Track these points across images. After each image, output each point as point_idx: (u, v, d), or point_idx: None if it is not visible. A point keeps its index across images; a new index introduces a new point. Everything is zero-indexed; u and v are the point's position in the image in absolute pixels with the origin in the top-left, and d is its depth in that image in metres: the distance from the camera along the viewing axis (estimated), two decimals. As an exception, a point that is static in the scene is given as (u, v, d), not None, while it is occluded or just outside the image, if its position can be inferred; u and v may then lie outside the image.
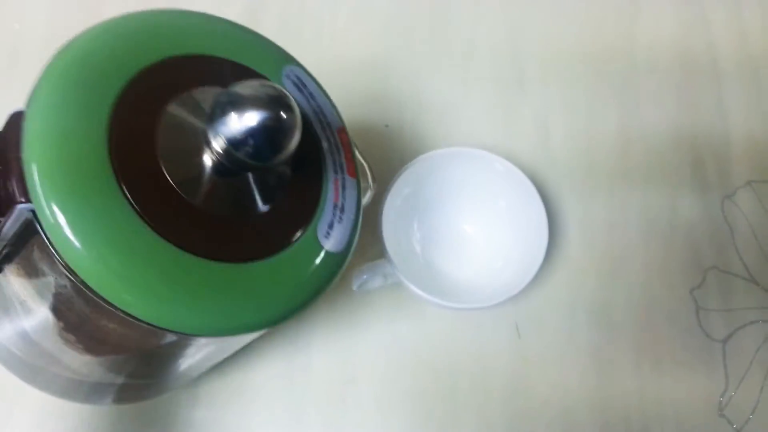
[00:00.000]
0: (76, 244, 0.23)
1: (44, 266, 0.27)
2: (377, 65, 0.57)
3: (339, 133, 0.34)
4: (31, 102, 0.24)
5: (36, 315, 0.32)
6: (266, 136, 0.25)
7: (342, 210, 0.31)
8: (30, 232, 0.24)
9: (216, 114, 0.25)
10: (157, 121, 0.26)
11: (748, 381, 0.46)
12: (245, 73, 0.30)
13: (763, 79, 0.56)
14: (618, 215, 0.52)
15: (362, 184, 0.35)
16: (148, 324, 0.25)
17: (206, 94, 0.28)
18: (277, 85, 0.26)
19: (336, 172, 0.32)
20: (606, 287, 0.49)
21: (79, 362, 0.34)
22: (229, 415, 0.46)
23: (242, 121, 0.24)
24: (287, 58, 0.33)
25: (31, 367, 0.36)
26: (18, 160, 0.23)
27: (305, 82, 0.33)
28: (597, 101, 0.56)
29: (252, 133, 0.24)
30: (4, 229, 0.24)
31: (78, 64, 0.25)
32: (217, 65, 0.29)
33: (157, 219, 0.24)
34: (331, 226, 0.30)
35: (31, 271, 0.28)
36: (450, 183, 0.50)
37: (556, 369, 0.47)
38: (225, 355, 0.41)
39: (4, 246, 0.26)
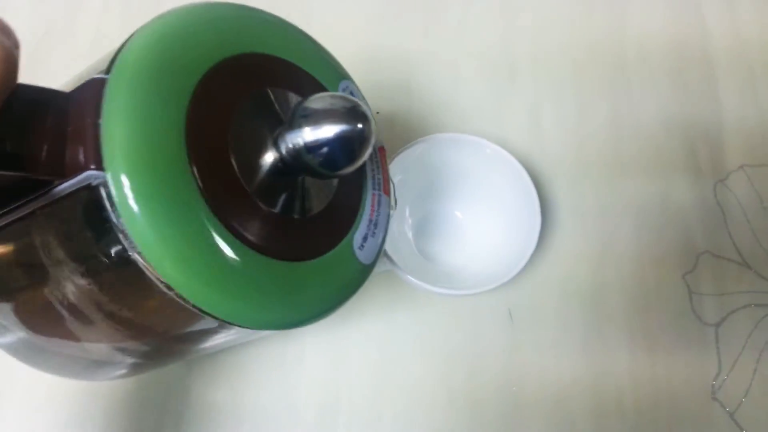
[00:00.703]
0: (144, 220, 0.23)
1: (86, 241, 0.27)
2: (368, 53, 0.57)
3: (380, 150, 0.35)
4: (115, 71, 0.24)
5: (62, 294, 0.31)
6: (343, 147, 0.26)
7: (375, 225, 0.33)
8: (80, 200, 0.24)
9: (296, 120, 0.26)
10: (231, 112, 0.26)
11: (740, 365, 0.46)
12: (311, 82, 0.31)
13: (755, 65, 0.56)
14: (610, 201, 0.51)
15: None
16: (202, 311, 0.25)
17: (277, 95, 0.29)
18: (355, 99, 0.27)
19: (374, 188, 0.33)
20: (599, 273, 0.49)
21: (101, 346, 0.34)
22: (220, 402, 0.46)
23: (322, 132, 0.25)
24: (344, 73, 0.34)
25: (40, 349, 0.35)
26: (95, 126, 0.23)
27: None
28: (589, 89, 0.56)
29: (330, 143, 0.25)
30: (59, 188, 0.24)
31: (167, 41, 0.26)
32: (287, 69, 0.30)
33: (222, 209, 0.25)
34: (365, 239, 0.32)
35: (67, 245, 0.28)
36: (442, 169, 0.49)
37: (550, 354, 0.47)
38: (238, 343, 0.42)
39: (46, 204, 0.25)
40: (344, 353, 0.47)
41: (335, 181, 0.31)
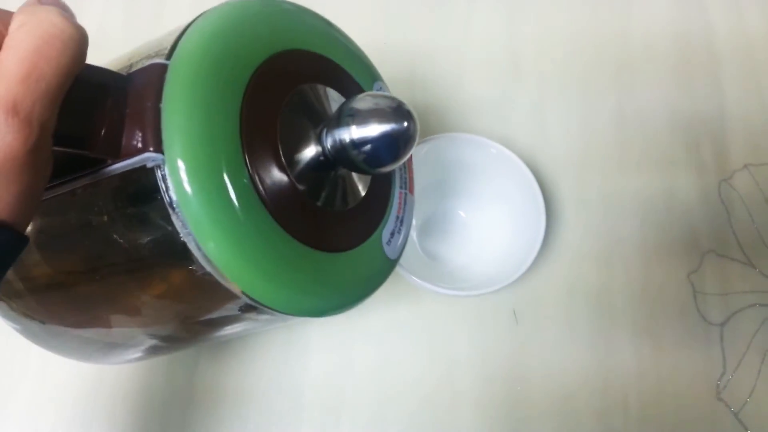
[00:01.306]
0: (198, 203, 0.23)
1: (135, 220, 0.27)
2: (372, 52, 0.57)
3: None
4: (177, 59, 0.25)
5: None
6: (389, 145, 0.27)
7: (401, 222, 0.34)
8: (133, 180, 0.25)
9: (343, 117, 0.27)
10: (280, 104, 0.27)
11: (745, 365, 0.46)
12: (350, 80, 0.32)
13: (759, 63, 0.56)
14: (615, 200, 0.51)
15: None
16: (245, 294, 0.25)
17: (320, 91, 0.30)
18: (399, 99, 0.27)
19: (401, 187, 0.35)
20: (603, 272, 0.49)
21: (130, 329, 0.35)
22: (224, 404, 0.46)
23: (370, 130, 0.26)
24: (377, 74, 0.35)
25: (59, 333, 0.36)
26: (155, 110, 0.23)
27: None
28: (593, 86, 0.55)
29: (377, 141, 0.26)
30: (113, 167, 0.24)
31: (225, 33, 0.26)
32: (329, 66, 0.31)
33: (270, 197, 0.25)
34: (392, 234, 0.33)
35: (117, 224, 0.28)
36: (446, 169, 0.49)
37: (554, 354, 0.47)
38: (256, 331, 0.43)
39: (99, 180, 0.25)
40: (348, 352, 0.47)
41: (368, 178, 0.32)
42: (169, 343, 0.38)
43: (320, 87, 0.30)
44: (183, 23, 0.28)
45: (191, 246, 0.24)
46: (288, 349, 0.47)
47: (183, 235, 0.24)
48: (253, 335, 0.48)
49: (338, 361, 0.47)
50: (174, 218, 0.24)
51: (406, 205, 0.34)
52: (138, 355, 0.39)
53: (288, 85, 0.28)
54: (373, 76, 0.35)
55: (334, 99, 0.30)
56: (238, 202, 0.24)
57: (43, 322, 0.33)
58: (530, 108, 0.55)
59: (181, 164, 0.23)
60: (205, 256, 0.24)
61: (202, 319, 0.33)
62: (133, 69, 0.26)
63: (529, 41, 0.57)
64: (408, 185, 0.35)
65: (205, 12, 0.27)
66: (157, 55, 0.26)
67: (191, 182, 0.23)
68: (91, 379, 0.47)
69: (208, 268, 0.24)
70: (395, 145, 0.27)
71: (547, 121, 0.54)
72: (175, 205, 0.23)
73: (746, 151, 0.53)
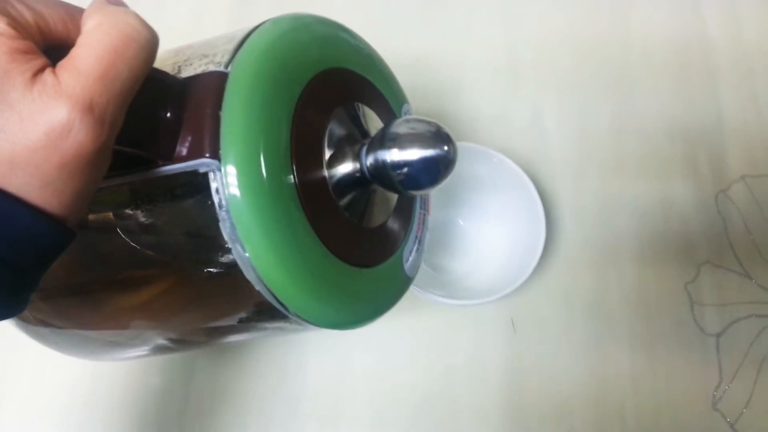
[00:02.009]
0: (251, 213, 0.24)
1: (182, 223, 0.28)
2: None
3: None
4: (236, 68, 0.25)
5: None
6: (429, 169, 0.28)
7: (419, 242, 0.35)
8: (183, 184, 0.25)
9: (386, 140, 0.28)
10: (325, 120, 0.28)
11: (741, 375, 0.46)
12: (383, 101, 0.33)
13: (757, 73, 0.56)
14: (613, 210, 0.52)
15: None
16: (284, 308, 0.26)
17: (360, 109, 0.31)
18: (440, 124, 0.28)
19: (421, 207, 0.36)
20: (601, 282, 0.49)
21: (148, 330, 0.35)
22: (223, 411, 0.46)
23: (411, 154, 0.27)
24: (405, 97, 0.36)
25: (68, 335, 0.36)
26: (214, 117, 0.24)
27: None
28: (592, 96, 0.56)
29: (416, 165, 0.27)
30: (164, 169, 0.24)
31: (282, 47, 0.27)
32: (367, 87, 0.32)
33: (313, 211, 0.26)
34: (410, 253, 0.34)
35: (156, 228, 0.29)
36: (446, 177, 0.49)
37: (552, 363, 0.47)
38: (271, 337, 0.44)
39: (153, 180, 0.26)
40: (347, 360, 0.47)
41: (395, 197, 0.32)
42: (180, 345, 0.38)
43: (359, 105, 0.31)
44: (232, 30, 0.28)
45: (235, 252, 0.24)
46: (286, 355, 0.47)
47: (229, 242, 0.24)
48: (251, 342, 0.48)
49: (337, 368, 0.47)
50: (222, 224, 0.24)
51: (423, 225, 0.35)
52: (142, 354, 0.39)
53: (332, 103, 0.29)
54: (401, 99, 0.36)
55: (370, 118, 0.31)
56: (286, 213, 0.25)
57: (48, 323, 0.33)
58: (529, 117, 0.55)
59: (236, 172, 0.23)
60: (249, 263, 0.24)
61: (226, 325, 0.33)
62: (182, 72, 0.26)
63: (528, 51, 0.57)
64: (426, 206, 0.36)
65: (262, 24, 0.28)
66: (211, 62, 0.26)
67: (245, 190, 0.23)
68: (87, 384, 0.47)
69: (249, 276, 0.25)
70: (436, 169, 0.28)
71: (546, 130, 0.54)
72: (225, 211, 0.24)
73: (743, 163, 0.53)
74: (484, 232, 0.50)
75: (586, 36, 0.58)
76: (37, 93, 0.18)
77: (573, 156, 0.53)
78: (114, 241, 0.29)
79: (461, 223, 0.51)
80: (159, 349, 0.38)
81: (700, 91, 0.56)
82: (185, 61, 0.27)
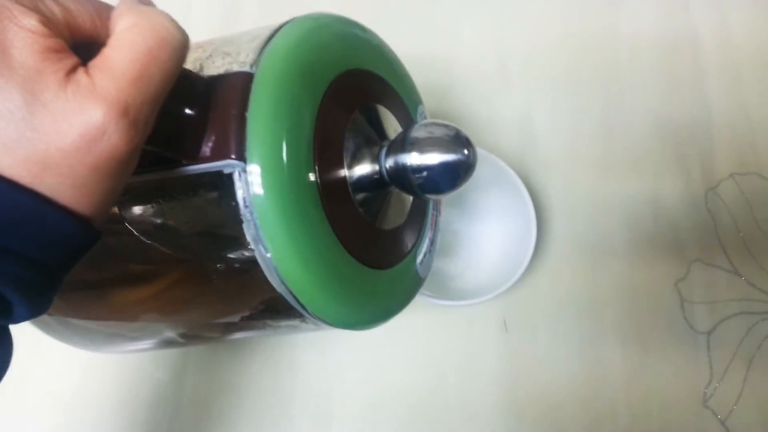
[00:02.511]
0: (275, 214, 0.24)
1: (203, 222, 0.28)
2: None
3: None
4: (262, 70, 0.25)
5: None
6: (449, 173, 0.28)
7: (432, 244, 0.35)
8: (205, 184, 0.25)
9: (407, 144, 0.28)
10: (346, 121, 0.28)
11: (731, 373, 0.47)
12: (401, 103, 0.33)
13: (745, 72, 0.56)
14: (603, 209, 0.52)
15: None
16: (304, 308, 0.26)
17: (379, 111, 0.31)
18: (459, 128, 0.28)
19: (434, 209, 0.36)
20: (592, 281, 0.49)
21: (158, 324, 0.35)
22: (214, 413, 0.46)
23: (431, 158, 0.27)
24: (420, 99, 0.37)
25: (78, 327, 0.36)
26: (240, 118, 0.24)
27: None
28: (581, 95, 0.56)
29: (437, 169, 0.27)
30: (188, 168, 0.24)
31: (306, 48, 0.27)
32: (386, 88, 0.32)
33: (333, 214, 0.26)
34: (424, 255, 0.34)
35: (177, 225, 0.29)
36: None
37: (543, 363, 0.47)
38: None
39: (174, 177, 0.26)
40: (338, 361, 0.47)
41: (410, 200, 0.32)
42: (190, 340, 0.38)
43: (378, 107, 0.31)
44: (254, 28, 0.28)
45: (257, 252, 0.24)
46: (278, 356, 0.47)
47: (251, 242, 0.24)
48: (243, 342, 0.48)
49: (329, 368, 0.47)
50: (245, 224, 0.24)
51: (436, 227, 0.36)
52: (147, 347, 0.39)
53: (352, 104, 0.29)
54: (417, 100, 0.36)
55: (388, 120, 0.31)
56: (309, 214, 0.25)
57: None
58: (520, 117, 0.55)
59: (262, 173, 0.23)
60: (271, 264, 0.24)
61: (238, 323, 0.33)
62: (205, 70, 0.26)
63: (518, 51, 0.57)
64: (438, 207, 0.37)
65: (286, 24, 0.28)
66: (235, 61, 0.26)
67: (270, 191, 0.23)
68: (75, 385, 0.46)
69: (270, 276, 0.25)
70: (456, 174, 0.28)
71: (537, 130, 0.54)
72: (249, 212, 0.24)
73: (732, 161, 0.53)
74: (475, 232, 0.50)
75: (576, 36, 0.58)
76: (71, 93, 0.18)
77: (563, 156, 0.53)
78: (130, 238, 0.29)
79: (454, 225, 0.51)
80: (165, 343, 0.38)
81: (689, 91, 0.56)
82: (207, 58, 0.27)
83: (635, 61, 0.57)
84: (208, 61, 0.27)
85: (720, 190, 0.52)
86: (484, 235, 0.49)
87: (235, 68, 0.25)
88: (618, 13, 0.59)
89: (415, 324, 0.48)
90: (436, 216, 0.36)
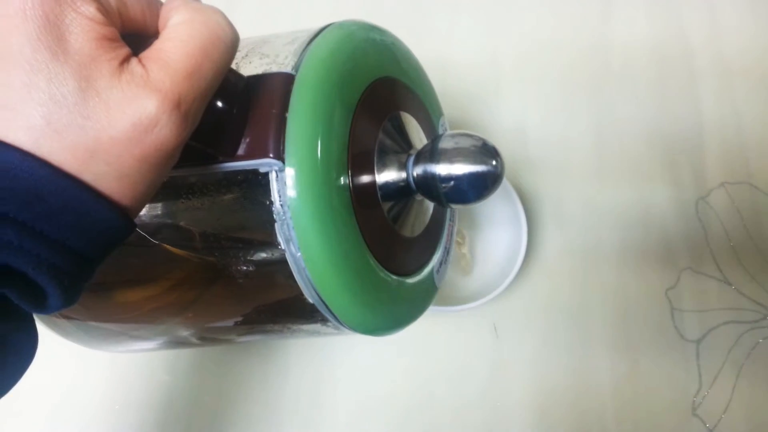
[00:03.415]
0: (310, 214, 0.24)
1: (237, 220, 0.28)
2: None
3: None
4: (303, 72, 0.25)
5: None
6: (478, 183, 0.28)
7: (447, 253, 0.35)
8: (241, 182, 0.25)
9: (436, 154, 0.28)
10: (378, 128, 0.29)
11: (720, 381, 0.47)
12: (426, 113, 0.34)
13: (736, 82, 0.57)
14: (594, 216, 0.52)
15: None
16: (329, 311, 0.26)
17: (406, 119, 0.31)
18: (486, 139, 0.29)
19: (450, 219, 0.36)
20: (582, 288, 0.50)
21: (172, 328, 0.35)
22: (202, 411, 0.45)
23: (461, 168, 0.28)
24: (441, 110, 0.37)
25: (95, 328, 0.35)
26: (279, 118, 0.24)
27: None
28: (573, 103, 0.56)
29: (466, 179, 0.28)
30: (226, 165, 0.24)
31: (344, 53, 0.27)
32: (413, 97, 0.33)
33: (363, 218, 0.26)
34: (440, 264, 0.34)
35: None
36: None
37: (533, 369, 0.47)
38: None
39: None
40: (328, 367, 0.47)
41: (430, 208, 0.33)
42: (204, 341, 0.38)
43: (405, 115, 0.31)
44: (291, 31, 0.29)
45: (288, 252, 0.25)
46: (268, 363, 0.47)
47: (282, 241, 0.24)
48: (231, 349, 0.48)
49: (318, 375, 0.47)
50: (278, 223, 0.24)
51: (451, 237, 0.36)
52: (155, 347, 0.39)
53: (384, 112, 0.29)
54: (439, 111, 0.36)
55: (414, 128, 0.32)
56: (341, 217, 0.25)
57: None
58: (511, 125, 0.55)
59: (299, 173, 0.24)
60: (300, 263, 0.25)
61: (257, 323, 0.33)
62: (241, 69, 0.26)
63: (511, 59, 0.58)
64: (455, 217, 0.37)
65: (324, 29, 0.28)
66: (273, 62, 0.26)
67: (306, 191, 0.24)
68: (65, 390, 0.46)
69: (298, 274, 0.25)
70: (484, 185, 0.28)
71: (528, 138, 0.55)
72: (284, 211, 0.24)
73: (723, 170, 0.53)
74: (468, 239, 0.50)
75: (569, 45, 0.58)
76: (126, 83, 0.18)
77: (555, 163, 0.54)
78: (160, 233, 0.29)
79: (444, 228, 0.51)
80: (178, 344, 0.38)
81: (680, 100, 0.56)
82: (243, 58, 0.28)
83: (627, 71, 0.57)
84: (244, 61, 0.27)
85: (711, 199, 0.53)
86: (474, 241, 0.49)
87: (274, 69, 0.26)
88: (611, 23, 0.59)
89: (405, 329, 0.48)
90: (453, 227, 0.36)
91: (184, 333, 0.35)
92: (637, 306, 0.49)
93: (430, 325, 0.48)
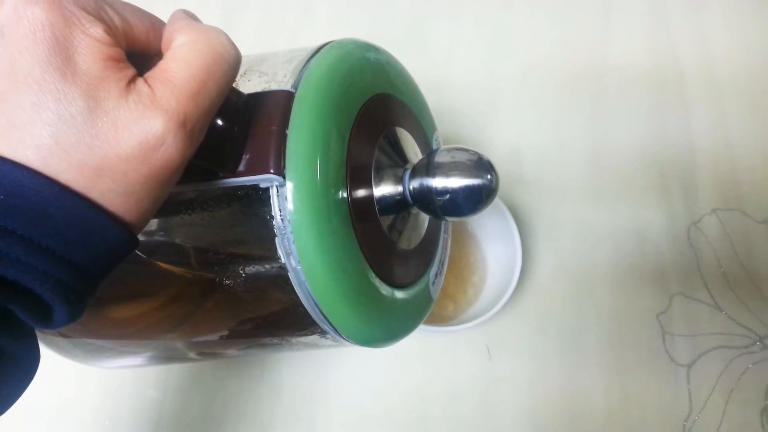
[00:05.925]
0: (310, 229, 0.24)
1: (237, 234, 0.28)
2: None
3: None
4: (303, 90, 0.26)
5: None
6: (473, 197, 0.29)
7: (442, 264, 0.35)
8: (240, 197, 0.26)
9: (432, 168, 0.29)
10: (375, 144, 0.29)
11: (711, 406, 0.47)
12: (420, 129, 0.34)
13: (729, 108, 0.58)
14: (588, 240, 0.52)
15: None
16: (329, 324, 0.27)
17: (401, 135, 0.32)
18: (481, 153, 0.30)
19: (445, 232, 0.36)
20: (575, 311, 0.50)
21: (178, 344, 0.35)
22: (194, 427, 0.45)
23: (456, 182, 0.28)
24: (435, 125, 0.38)
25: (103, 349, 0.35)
26: (280, 134, 0.24)
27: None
28: (568, 125, 0.57)
29: (460, 192, 0.28)
30: (226, 181, 0.25)
31: (342, 71, 0.28)
32: (409, 114, 0.33)
33: (362, 233, 0.27)
34: (435, 276, 0.34)
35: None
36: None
37: (526, 391, 0.47)
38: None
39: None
40: (321, 386, 0.47)
41: (426, 222, 0.33)
42: (203, 356, 0.38)
43: (401, 130, 0.32)
44: (288, 49, 0.29)
45: (288, 265, 0.25)
46: (260, 379, 0.47)
47: (283, 255, 0.25)
48: (225, 364, 0.47)
49: (311, 392, 0.47)
50: (278, 237, 0.25)
51: (445, 249, 0.36)
52: (147, 362, 0.39)
53: (380, 127, 0.30)
54: (433, 127, 0.37)
55: (409, 144, 0.32)
56: (340, 231, 0.26)
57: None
58: (506, 146, 0.56)
59: (299, 188, 0.24)
60: (301, 276, 0.25)
61: (257, 336, 0.33)
62: (240, 86, 0.26)
63: (507, 79, 0.58)
64: (449, 230, 0.37)
65: (323, 47, 0.29)
66: (273, 80, 0.27)
67: (306, 206, 0.24)
68: (57, 407, 0.46)
69: (299, 288, 0.25)
70: (479, 198, 0.29)
71: (523, 159, 0.55)
72: (284, 225, 0.24)
73: (715, 197, 0.54)
74: (462, 260, 0.50)
75: (566, 67, 0.59)
76: (133, 102, 0.18)
77: (550, 184, 0.54)
78: (159, 249, 0.29)
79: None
80: (172, 358, 0.38)
81: (673, 124, 0.57)
82: (242, 76, 0.28)
83: (622, 93, 0.58)
84: (243, 79, 0.28)
85: (702, 224, 0.53)
86: (469, 262, 0.49)
87: (274, 87, 0.26)
88: (607, 45, 0.60)
89: (397, 349, 0.48)
90: (447, 239, 0.37)
91: (182, 348, 0.35)
92: (629, 329, 0.49)
93: (424, 345, 0.48)
